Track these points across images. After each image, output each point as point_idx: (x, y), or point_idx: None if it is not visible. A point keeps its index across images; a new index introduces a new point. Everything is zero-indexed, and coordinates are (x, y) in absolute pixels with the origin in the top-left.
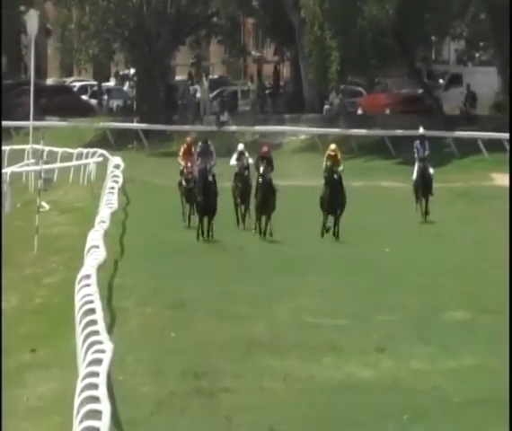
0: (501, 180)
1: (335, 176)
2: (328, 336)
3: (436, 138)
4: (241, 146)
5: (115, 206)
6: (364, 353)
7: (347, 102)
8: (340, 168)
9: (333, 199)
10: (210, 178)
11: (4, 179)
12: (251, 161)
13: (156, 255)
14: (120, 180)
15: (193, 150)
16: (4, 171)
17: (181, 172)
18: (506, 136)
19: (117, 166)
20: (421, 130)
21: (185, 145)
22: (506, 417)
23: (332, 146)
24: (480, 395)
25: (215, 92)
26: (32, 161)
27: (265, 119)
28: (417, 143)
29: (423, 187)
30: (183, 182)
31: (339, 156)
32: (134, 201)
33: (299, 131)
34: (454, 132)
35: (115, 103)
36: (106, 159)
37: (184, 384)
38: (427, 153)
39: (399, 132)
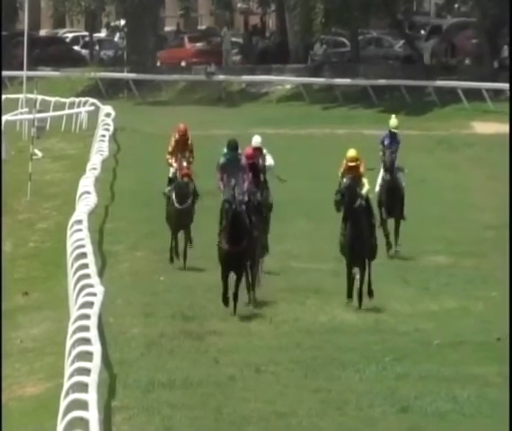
0: (481, 128)
1: (359, 202)
2: (312, 279)
3: (417, 87)
4: (256, 140)
5: (106, 153)
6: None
7: (331, 53)
8: (365, 189)
9: (358, 244)
10: (241, 211)
11: None
12: (271, 161)
13: (146, 201)
14: (111, 128)
15: (190, 142)
16: None
17: (171, 180)
18: (485, 85)
19: (108, 115)
20: (394, 121)
21: (176, 135)
22: (483, 358)
23: (352, 153)
24: (459, 337)
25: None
26: (26, 109)
27: (252, 69)
28: (384, 138)
29: (390, 207)
30: (173, 198)
31: (361, 168)
32: (124, 149)
33: (285, 81)
34: (434, 81)
35: (106, 54)
36: (97, 108)
37: (173, 326)
38: (394, 155)
39: (381, 81)
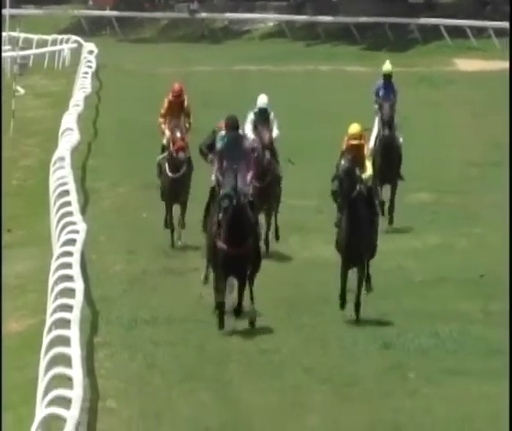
0: (463, 65)
1: (358, 189)
2: (296, 216)
3: (399, 25)
4: (262, 100)
5: (88, 90)
6: (330, 233)
7: None
8: (368, 173)
9: (356, 240)
10: (245, 206)
11: None
12: (276, 131)
13: (129, 138)
14: (94, 65)
15: (186, 104)
16: None
17: (164, 148)
18: (468, 22)
19: (90, 52)
20: (388, 66)
21: (170, 96)
22: (466, 295)
23: (354, 129)
24: (442, 273)
25: None
26: (8, 47)
27: (234, 7)
28: (378, 85)
29: (387, 168)
30: (167, 168)
31: (365, 150)
32: (107, 86)
33: (267, 18)
34: (417, 19)
35: None
36: (80, 45)
37: (156, 263)
38: (393, 109)
39: (363, 19)
